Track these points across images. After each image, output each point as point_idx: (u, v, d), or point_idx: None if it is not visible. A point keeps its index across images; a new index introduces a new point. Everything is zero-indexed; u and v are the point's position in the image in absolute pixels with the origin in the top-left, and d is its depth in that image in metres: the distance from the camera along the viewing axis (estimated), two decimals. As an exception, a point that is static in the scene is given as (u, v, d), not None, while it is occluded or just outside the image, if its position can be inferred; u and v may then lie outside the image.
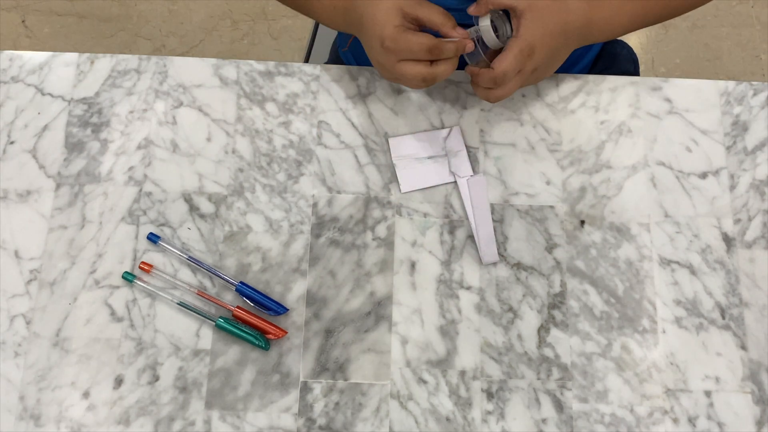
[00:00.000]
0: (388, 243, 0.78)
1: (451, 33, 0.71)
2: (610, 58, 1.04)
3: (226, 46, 1.71)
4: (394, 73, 0.72)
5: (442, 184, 0.79)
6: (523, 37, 0.71)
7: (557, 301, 0.76)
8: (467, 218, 0.78)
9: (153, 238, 0.76)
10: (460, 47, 0.71)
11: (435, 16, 0.71)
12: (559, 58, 0.76)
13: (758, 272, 0.77)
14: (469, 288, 0.76)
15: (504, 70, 0.71)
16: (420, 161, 0.80)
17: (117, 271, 0.76)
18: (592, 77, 0.85)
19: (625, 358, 0.74)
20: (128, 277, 0.75)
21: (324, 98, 0.83)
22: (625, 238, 0.78)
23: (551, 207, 0.79)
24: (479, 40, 0.74)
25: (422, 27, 0.72)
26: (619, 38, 1.08)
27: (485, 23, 0.73)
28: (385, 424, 0.72)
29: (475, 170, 0.80)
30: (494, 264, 0.77)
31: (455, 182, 0.80)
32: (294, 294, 0.76)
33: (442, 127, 0.82)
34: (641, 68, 1.06)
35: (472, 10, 0.73)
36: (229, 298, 0.76)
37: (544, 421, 0.72)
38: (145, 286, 0.75)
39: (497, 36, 0.74)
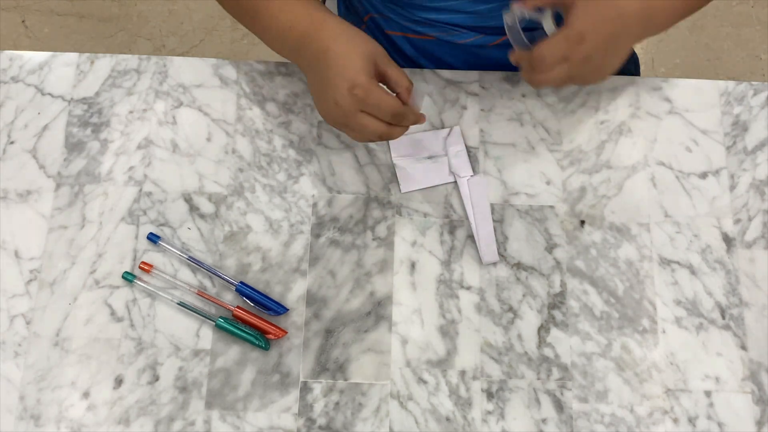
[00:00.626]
0: (388, 243, 0.78)
1: (408, 101, 0.71)
2: None
3: (226, 46, 1.71)
4: (349, 121, 0.69)
5: (442, 184, 0.79)
6: (571, 24, 0.68)
7: (557, 301, 0.76)
8: (467, 218, 0.78)
9: (153, 238, 0.76)
10: (418, 120, 0.71)
11: (401, 79, 0.70)
12: (620, 47, 0.72)
13: (758, 272, 0.77)
14: (469, 288, 0.76)
15: (541, 55, 0.68)
16: (420, 161, 0.80)
17: (117, 271, 0.76)
18: (592, 77, 0.85)
19: (625, 358, 0.74)
20: (128, 277, 0.75)
21: (324, 98, 0.83)
22: (625, 238, 0.78)
23: (551, 207, 0.79)
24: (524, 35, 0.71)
25: (383, 82, 0.70)
26: None
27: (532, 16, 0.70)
28: (385, 424, 0.72)
29: (475, 170, 0.80)
30: (494, 264, 0.77)
31: (455, 182, 0.80)
32: (294, 294, 0.76)
33: (442, 127, 0.82)
34: (641, 68, 1.06)
35: (520, 4, 0.69)
36: (229, 298, 0.76)
37: (544, 421, 0.72)
38: (145, 286, 0.75)
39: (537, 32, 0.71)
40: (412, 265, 0.77)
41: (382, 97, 0.68)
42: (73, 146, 0.80)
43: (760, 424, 0.73)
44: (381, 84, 0.70)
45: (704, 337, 0.75)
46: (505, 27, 0.71)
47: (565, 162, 0.81)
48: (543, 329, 0.75)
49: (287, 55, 0.75)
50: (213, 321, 0.74)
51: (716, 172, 0.81)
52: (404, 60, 0.93)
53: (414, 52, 0.91)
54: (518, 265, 0.77)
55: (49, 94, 0.82)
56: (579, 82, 0.73)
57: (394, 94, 0.70)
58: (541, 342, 0.75)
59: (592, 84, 0.73)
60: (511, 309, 0.76)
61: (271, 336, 0.73)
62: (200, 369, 0.73)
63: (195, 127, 0.82)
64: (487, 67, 0.84)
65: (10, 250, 0.76)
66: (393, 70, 0.70)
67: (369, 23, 0.93)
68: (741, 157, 0.82)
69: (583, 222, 0.79)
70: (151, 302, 0.75)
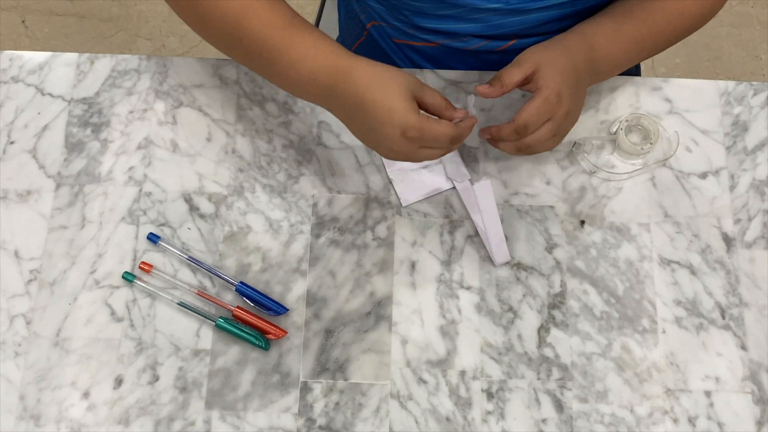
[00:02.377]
0: (388, 243, 0.78)
1: (455, 114, 0.70)
2: None
3: (226, 46, 1.71)
4: (412, 158, 0.69)
5: (441, 192, 0.79)
6: (547, 86, 0.71)
7: (557, 301, 0.76)
8: (468, 218, 0.78)
9: (153, 238, 0.76)
10: (473, 124, 0.71)
11: (438, 100, 0.69)
12: (582, 95, 0.76)
13: (758, 272, 0.77)
14: (469, 288, 0.76)
15: (525, 122, 0.71)
16: (416, 172, 0.80)
17: (117, 271, 0.76)
18: (592, 77, 0.85)
19: (625, 358, 0.74)
20: (128, 277, 0.75)
21: (324, 98, 0.83)
22: (625, 238, 0.78)
23: (551, 207, 0.79)
24: None
25: (421, 107, 0.69)
26: None
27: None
28: (385, 424, 0.72)
29: (474, 171, 0.80)
30: (494, 263, 0.77)
31: (454, 188, 0.79)
32: (294, 294, 0.76)
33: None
34: (641, 68, 1.06)
35: (483, 90, 0.72)
36: (229, 298, 0.76)
37: (544, 421, 0.72)
38: (145, 286, 0.75)
39: None
40: (412, 265, 0.77)
41: (437, 129, 0.67)
42: (73, 146, 0.80)
43: (760, 424, 0.73)
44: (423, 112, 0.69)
45: (704, 337, 0.75)
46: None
47: (565, 162, 0.81)
48: (543, 329, 0.75)
49: (310, 101, 0.72)
50: (213, 321, 0.74)
51: (716, 172, 0.81)
52: (410, 66, 0.93)
53: (419, 58, 0.90)
54: (518, 265, 0.77)
55: (49, 94, 0.82)
56: (558, 141, 0.75)
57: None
58: (541, 342, 0.75)
59: (560, 141, 0.76)
60: (511, 309, 0.76)
61: (271, 336, 0.73)
62: (200, 369, 0.73)
63: (195, 127, 0.82)
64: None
65: (10, 250, 0.76)
66: (428, 95, 0.69)
67: (372, 31, 0.92)
68: (741, 157, 0.82)
69: (583, 222, 0.79)
70: (151, 302, 0.75)
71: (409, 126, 0.66)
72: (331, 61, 0.67)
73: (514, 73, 0.72)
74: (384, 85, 0.66)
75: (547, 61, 0.72)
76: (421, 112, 0.68)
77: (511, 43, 0.83)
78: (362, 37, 0.95)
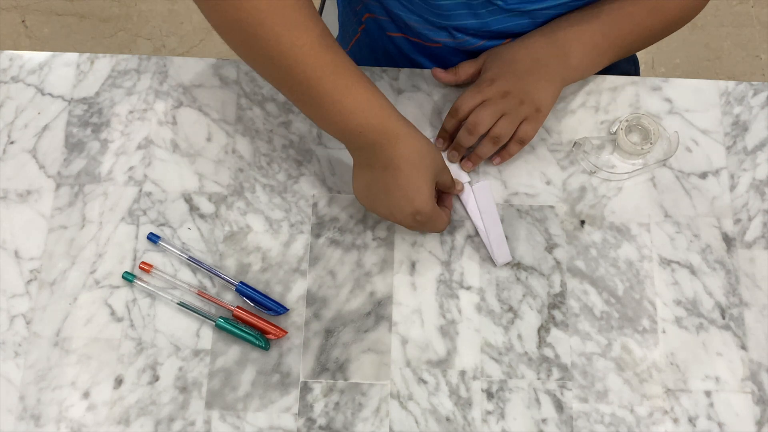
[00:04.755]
0: (388, 243, 0.78)
1: (456, 191, 0.78)
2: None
3: (226, 46, 1.71)
4: (403, 225, 0.74)
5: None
6: (483, 75, 0.79)
7: (557, 301, 0.76)
8: (468, 219, 0.78)
9: (153, 238, 0.76)
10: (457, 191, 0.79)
11: (449, 181, 0.75)
12: (542, 83, 0.77)
13: (758, 272, 0.77)
14: (469, 288, 0.76)
15: (457, 105, 0.77)
16: None
17: (117, 271, 0.76)
18: (592, 77, 0.85)
19: (625, 358, 0.74)
20: (128, 277, 0.75)
21: (324, 98, 0.83)
22: (625, 238, 0.78)
23: (551, 207, 0.79)
24: None
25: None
26: None
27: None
28: (385, 424, 0.72)
29: (474, 171, 0.80)
30: (494, 264, 0.77)
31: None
32: (294, 294, 0.76)
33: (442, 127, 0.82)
34: (641, 68, 1.06)
35: (438, 74, 0.82)
36: (229, 298, 0.76)
37: (544, 421, 0.72)
38: (145, 286, 0.75)
39: None
40: (412, 265, 0.77)
41: (440, 218, 0.73)
42: (73, 146, 0.80)
43: (760, 424, 0.73)
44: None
45: (704, 337, 0.75)
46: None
47: (565, 162, 0.81)
48: (543, 329, 0.75)
49: (342, 141, 0.71)
50: (213, 321, 0.74)
51: (716, 172, 0.81)
52: (405, 61, 0.92)
53: (415, 52, 0.90)
54: (518, 265, 0.77)
55: (49, 94, 0.82)
56: (511, 122, 0.77)
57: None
58: (541, 342, 0.75)
59: (535, 124, 0.78)
60: (511, 309, 0.76)
61: (271, 336, 0.73)
62: (200, 369, 0.73)
63: (195, 127, 0.82)
64: None
65: (10, 250, 0.76)
66: (444, 176, 0.73)
67: (367, 24, 0.92)
68: (741, 157, 0.82)
69: (583, 222, 0.79)
70: (151, 302, 0.75)
71: (424, 212, 0.70)
72: (381, 120, 0.68)
73: (467, 65, 0.81)
74: (421, 164, 0.69)
75: (494, 53, 0.80)
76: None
77: (507, 41, 0.83)
78: (358, 33, 0.95)
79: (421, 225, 0.72)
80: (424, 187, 0.69)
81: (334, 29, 1.09)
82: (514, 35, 0.82)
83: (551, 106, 0.78)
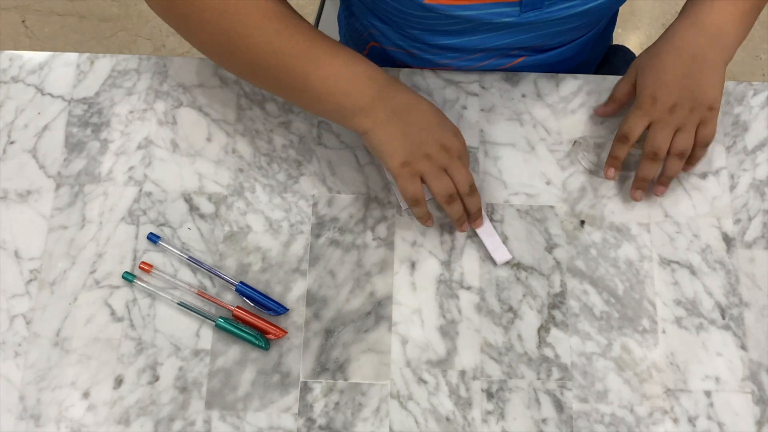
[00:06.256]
0: (388, 243, 0.78)
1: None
2: (610, 64, 1.05)
3: (226, 46, 1.70)
4: (414, 183, 0.71)
5: None
6: (640, 93, 0.75)
7: (557, 301, 0.76)
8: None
9: (153, 238, 0.76)
10: (474, 220, 0.76)
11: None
12: (705, 77, 0.74)
13: (758, 272, 0.77)
14: (469, 288, 0.76)
15: (623, 132, 0.75)
16: None
17: (117, 271, 0.76)
18: (592, 77, 0.85)
19: (625, 358, 0.74)
20: (128, 277, 0.75)
21: (324, 98, 0.83)
22: (625, 238, 0.78)
23: (551, 207, 0.79)
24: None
25: None
26: (620, 44, 1.08)
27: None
28: (385, 424, 0.72)
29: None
30: (494, 264, 0.77)
31: None
32: (294, 294, 0.76)
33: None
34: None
35: (600, 111, 0.80)
36: (229, 298, 0.76)
37: (544, 421, 0.72)
38: (145, 286, 0.75)
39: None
40: (412, 265, 0.77)
41: (465, 168, 0.72)
42: (73, 146, 0.80)
43: (760, 424, 0.73)
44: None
45: (704, 337, 0.75)
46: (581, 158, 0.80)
47: (565, 162, 0.81)
48: (543, 329, 0.75)
49: (338, 118, 0.71)
50: (213, 321, 0.74)
51: (716, 172, 0.81)
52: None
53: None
54: (518, 265, 0.77)
55: (49, 94, 0.82)
56: (689, 136, 0.75)
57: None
58: (541, 342, 0.75)
59: (712, 123, 0.75)
60: (511, 309, 0.76)
61: (271, 336, 0.73)
62: (200, 369, 0.73)
63: (195, 127, 0.82)
64: None
65: (10, 250, 0.76)
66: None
67: (372, 49, 0.91)
68: (741, 157, 0.82)
69: (583, 222, 0.79)
70: (151, 302, 0.75)
71: (456, 137, 0.70)
72: (371, 74, 0.69)
73: (620, 86, 0.78)
74: (424, 98, 0.72)
75: (645, 64, 0.75)
76: None
77: (518, 61, 0.83)
78: (363, 52, 0.94)
79: (449, 161, 0.71)
80: (443, 116, 0.72)
81: (334, 31, 1.09)
82: (525, 48, 0.81)
83: (721, 97, 0.75)
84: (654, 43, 0.77)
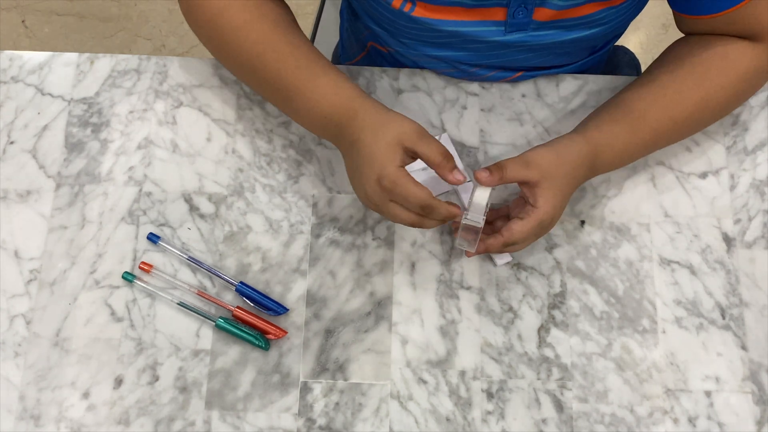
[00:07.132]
0: (388, 243, 0.78)
1: (447, 176, 0.68)
2: (612, 65, 1.04)
3: (226, 46, 1.70)
4: (380, 209, 0.68)
5: (442, 193, 0.79)
6: (542, 209, 0.69)
7: (557, 301, 0.76)
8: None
9: (153, 238, 0.76)
10: (450, 215, 0.68)
11: (434, 155, 0.67)
12: (567, 201, 0.73)
13: (758, 272, 0.77)
14: (469, 288, 0.76)
15: (513, 238, 0.70)
16: (415, 173, 0.79)
17: (117, 271, 0.76)
18: (592, 77, 0.85)
19: (625, 358, 0.74)
20: (128, 277, 0.75)
21: (324, 98, 0.83)
22: (625, 238, 0.78)
23: (551, 207, 0.79)
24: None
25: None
26: (620, 44, 1.08)
27: (483, 195, 0.70)
28: (385, 424, 0.72)
29: (474, 170, 0.80)
30: (494, 263, 0.77)
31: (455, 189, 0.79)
32: (294, 294, 0.76)
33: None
34: (641, 68, 1.06)
35: (482, 178, 0.69)
36: (229, 298, 0.76)
37: (544, 421, 0.72)
38: (145, 286, 0.75)
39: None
40: (412, 265, 0.77)
41: (409, 188, 0.65)
42: (73, 146, 0.80)
43: (760, 424, 0.73)
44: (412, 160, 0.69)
45: (704, 337, 0.75)
46: (474, 204, 0.70)
47: (565, 162, 0.81)
48: (543, 329, 0.75)
49: (327, 138, 0.74)
50: (213, 321, 0.74)
51: (716, 172, 0.81)
52: None
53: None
54: (518, 265, 0.77)
55: (49, 94, 0.82)
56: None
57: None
58: (541, 342, 0.75)
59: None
60: (511, 309, 0.76)
61: (271, 336, 0.73)
62: (200, 369, 0.73)
63: (195, 127, 0.82)
64: None
65: (10, 250, 0.76)
66: (423, 147, 0.67)
67: (372, 49, 0.91)
68: (741, 157, 0.82)
69: (583, 222, 0.79)
70: (151, 302, 0.75)
71: (384, 174, 0.65)
72: (345, 103, 0.70)
73: (518, 173, 0.69)
74: (377, 130, 0.67)
75: (551, 177, 0.70)
76: (426, 168, 0.73)
77: (516, 75, 0.83)
78: (363, 52, 0.94)
79: (390, 194, 0.66)
80: (383, 149, 0.66)
81: (334, 31, 1.09)
82: (522, 68, 0.82)
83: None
84: (558, 150, 0.71)
